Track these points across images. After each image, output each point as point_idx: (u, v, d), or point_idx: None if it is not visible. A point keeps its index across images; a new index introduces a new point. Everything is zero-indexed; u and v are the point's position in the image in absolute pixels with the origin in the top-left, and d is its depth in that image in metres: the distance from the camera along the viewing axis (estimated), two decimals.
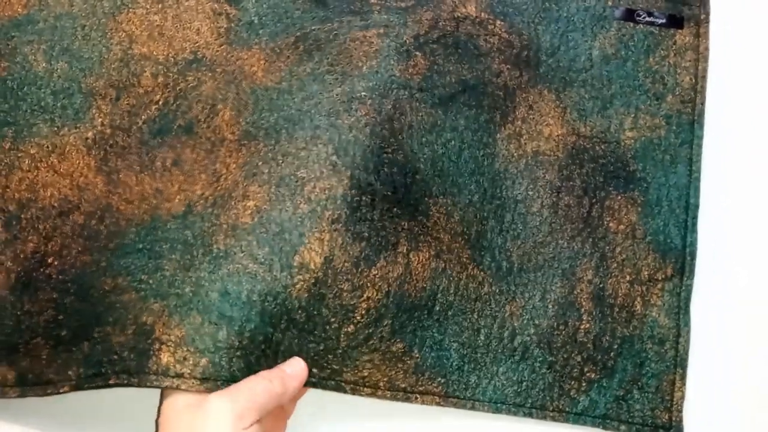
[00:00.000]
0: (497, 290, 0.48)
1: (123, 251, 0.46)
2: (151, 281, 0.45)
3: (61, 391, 0.44)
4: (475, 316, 0.48)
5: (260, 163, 0.47)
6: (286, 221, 0.45)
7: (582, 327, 0.48)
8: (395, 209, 0.47)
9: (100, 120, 0.49)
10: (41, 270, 0.47)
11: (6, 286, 0.46)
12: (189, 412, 0.41)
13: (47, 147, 0.48)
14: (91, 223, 0.47)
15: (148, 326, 0.44)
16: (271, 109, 0.48)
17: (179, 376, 0.42)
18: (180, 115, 0.48)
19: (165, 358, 0.43)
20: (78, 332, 0.45)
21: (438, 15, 0.50)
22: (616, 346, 0.48)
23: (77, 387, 0.45)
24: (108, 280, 0.46)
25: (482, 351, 0.48)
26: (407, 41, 0.49)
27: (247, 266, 0.44)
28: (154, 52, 0.50)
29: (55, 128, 0.48)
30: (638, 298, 0.48)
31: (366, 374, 0.47)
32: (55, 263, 0.47)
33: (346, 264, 0.45)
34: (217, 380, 0.42)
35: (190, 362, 0.42)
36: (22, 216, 0.47)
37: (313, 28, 0.50)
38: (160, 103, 0.49)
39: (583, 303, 0.48)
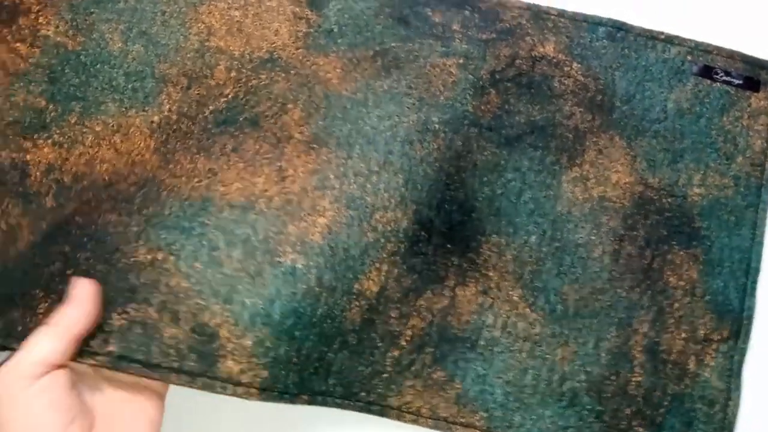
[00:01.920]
0: (549, 332, 0.48)
1: (162, 223, 0.43)
2: (209, 276, 0.42)
3: (83, 362, 0.40)
4: (523, 356, 0.47)
5: (332, 176, 0.45)
6: (353, 247, 0.44)
7: (633, 379, 0.47)
8: (448, 245, 0.48)
9: (168, 106, 0.48)
10: (64, 227, 0.45)
11: (29, 245, 0.45)
12: None
13: (112, 126, 0.48)
14: (129, 189, 0.46)
15: (211, 328, 0.42)
16: (344, 119, 0.46)
17: (242, 384, 0.42)
18: (247, 109, 0.47)
19: (232, 366, 0.42)
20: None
21: (516, 52, 0.50)
22: (666, 403, 0.47)
23: (113, 366, 0.41)
24: (142, 249, 0.42)
25: (529, 392, 0.47)
26: (484, 76, 0.49)
27: (314, 289, 0.43)
28: (231, 47, 0.49)
29: (123, 108, 0.48)
30: (692, 357, 0.48)
31: (409, 400, 0.47)
32: (79, 220, 0.45)
33: (397, 294, 0.46)
34: (273, 391, 0.42)
35: (252, 373, 0.42)
36: (74, 187, 0.47)
37: (393, 44, 0.49)
38: (230, 96, 0.48)
39: (637, 355, 0.47)
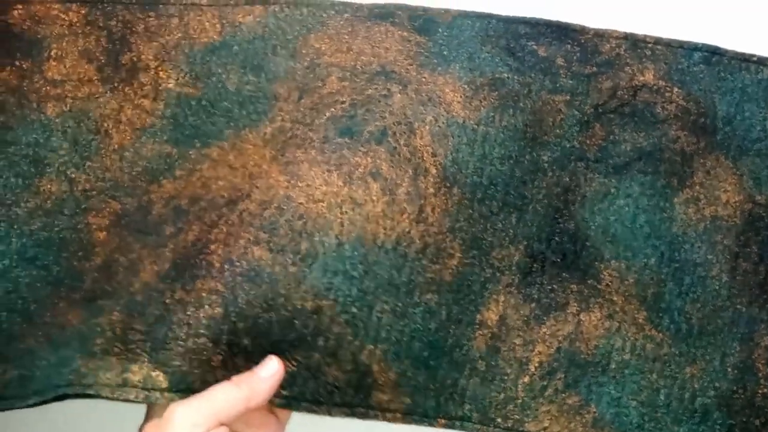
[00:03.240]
0: (677, 352, 0.49)
1: (322, 266, 0.46)
2: (364, 320, 0.46)
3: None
4: (654, 376, 0.49)
5: (461, 219, 0.48)
6: (474, 283, 0.49)
7: (760, 391, 0.49)
8: (564, 274, 0.50)
9: (280, 117, 0.50)
10: (200, 257, 0.46)
11: (157, 275, 0.46)
12: (155, 425, 0.42)
13: (227, 148, 0.49)
14: (265, 214, 0.46)
15: (366, 366, 0.47)
16: (471, 154, 0.49)
17: (389, 410, 0.48)
18: (371, 122, 0.48)
19: (381, 396, 0.48)
20: (264, 346, 0.45)
21: (617, 84, 0.52)
22: None
23: (287, 406, 0.47)
24: (306, 296, 0.45)
25: (663, 411, 0.49)
26: (588, 111, 0.51)
27: (444, 323, 0.49)
28: (342, 62, 0.51)
29: (238, 131, 0.50)
30: None
31: (547, 425, 0.49)
32: (219, 251, 0.45)
33: (517, 322, 0.49)
34: (414, 415, 0.48)
35: (398, 401, 0.48)
36: (191, 209, 0.48)
37: (507, 75, 0.51)
38: (346, 104, 0.49)
39: (761, 368, 0.49)
